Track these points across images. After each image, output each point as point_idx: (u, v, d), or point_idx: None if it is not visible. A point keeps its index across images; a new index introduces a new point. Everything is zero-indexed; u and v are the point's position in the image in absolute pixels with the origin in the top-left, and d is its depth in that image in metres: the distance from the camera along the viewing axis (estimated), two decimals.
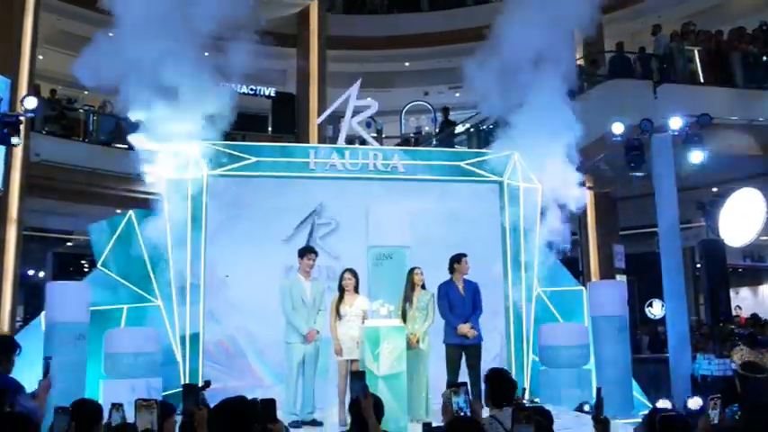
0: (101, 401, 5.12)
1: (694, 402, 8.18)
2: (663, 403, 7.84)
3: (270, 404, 3.23)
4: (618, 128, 10.06)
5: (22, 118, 9.44)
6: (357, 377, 3.67)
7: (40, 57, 13.79)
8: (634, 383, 8.86)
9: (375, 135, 12.73)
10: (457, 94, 19.19)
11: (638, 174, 10.49)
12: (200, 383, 6.72)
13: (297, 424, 6.62)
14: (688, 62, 12.34)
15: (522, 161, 8.68)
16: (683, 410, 8.01)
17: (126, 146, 13.96)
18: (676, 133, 9.88)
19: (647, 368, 11.14)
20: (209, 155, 8.17)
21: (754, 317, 13.47)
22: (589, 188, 13.68)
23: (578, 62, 13.64)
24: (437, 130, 16.43)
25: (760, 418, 3.43)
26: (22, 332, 8.90)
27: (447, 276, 7.34)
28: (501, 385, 3.98)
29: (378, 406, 3.95)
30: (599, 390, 3.36)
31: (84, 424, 3.58)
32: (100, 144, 13.77)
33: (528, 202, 8.66)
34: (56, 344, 7.38)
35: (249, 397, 3.89)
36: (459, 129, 16.16)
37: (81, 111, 14.64)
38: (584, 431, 6.41)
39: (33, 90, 12.16)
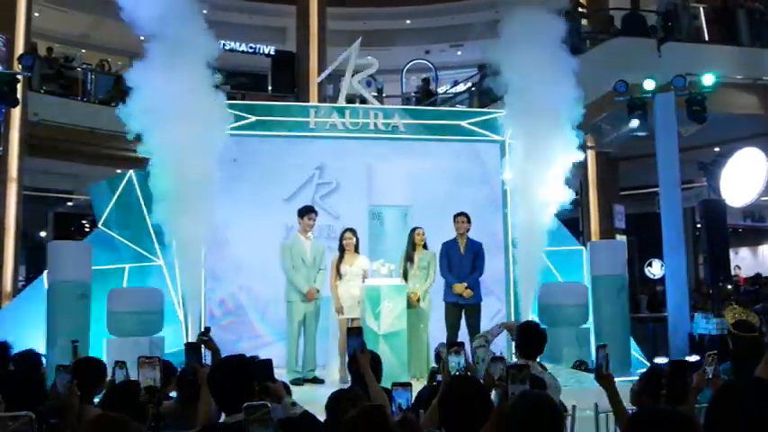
0: (104, 359, 5.18)
1: (692, 360, 8.30)
2: (661, 360, 7.95)
3: (267, 364, 3.24)
4: (621, 86, 9.97)
5: (19, 76, 9.35)
6: (354, 333, 3.64)
7: (36, 14, 13.58)
8: (632, 342, 8.95)
9: (375, 94, 12.59)
10: (459, 53, 18.96)
11: (639, 133, 10.42)
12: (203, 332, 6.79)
13: (299, 381, 6.70)
14: (693, 19, 12.14)
15: None
16: None
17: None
18: (679, 92, 9.79)
19: (645, 327, 11.24)
20: None
21: (757, 277, 13.53)
22: (590, 148, 13.62)
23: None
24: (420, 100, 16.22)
25: (750, 376, 3.46)
26: (25, 291, 8.97)
27: (447, 236, 7.35)
28: (531, 338, 4.06)
29: (376, 364, 3.98)
30: (604, 346, 3.37)
31: (88, 381, 3.62)
32: (99, 103, 13.66)
33: None
34: (59, 303, 7.44)
35: (251, 355, 3.94)
36: (461, 87, 16.00)
37: (79, 69, 14.47)
38: (583, 388, 6.49)
39: (30, 48, 12.01)
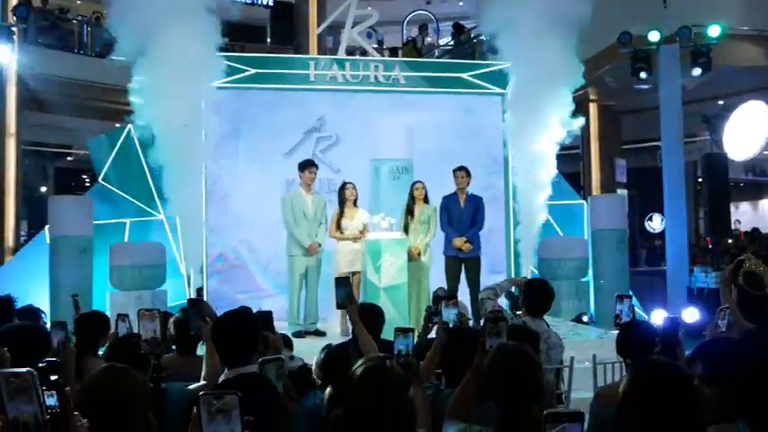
0: (108, 313, 5.23)
1: (689, 313, 8.38)
2: (658, 313, 8.02)
3: (267, 316, 3.26)
4: (625, 38, 9.81)
5: (14, 29, 9.22)
6: (341, 283, 3.57)
7: None
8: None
9: (376, 46, 12.41)
10: (461, 3, 18.63)
11: (643, 86, 10.30)
12: (195, 294, 6.86)
13: (300, 334, 6.77)
14: None
15: None
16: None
17: (123, 58, 13.73)
18: (684, 44, 9.63)
19: (644, 281, 11.30)
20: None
21: (754, 231, 13.55)
22: (593, 101, 13.51)
23: None
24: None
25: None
26: (28, 246, 9.01)
27: (448, 190, 7.34)
28: (538, 296, 4.06)
29: (378, 315, 4.00)
30: (626, 297, 3.40)
31: (92, 334, 3.66)
32: (95, 56, 13.48)
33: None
34: (61, 257, 7.49)
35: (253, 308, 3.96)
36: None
37: (74, 21, 14.24)
38: (581, 340, 6.58)
39: None
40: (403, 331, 2.65)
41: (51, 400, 1.57)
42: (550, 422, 1.53)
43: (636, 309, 8.74)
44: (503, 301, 6.42)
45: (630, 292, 8.89)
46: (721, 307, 3.47)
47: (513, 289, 4.59)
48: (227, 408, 1.53)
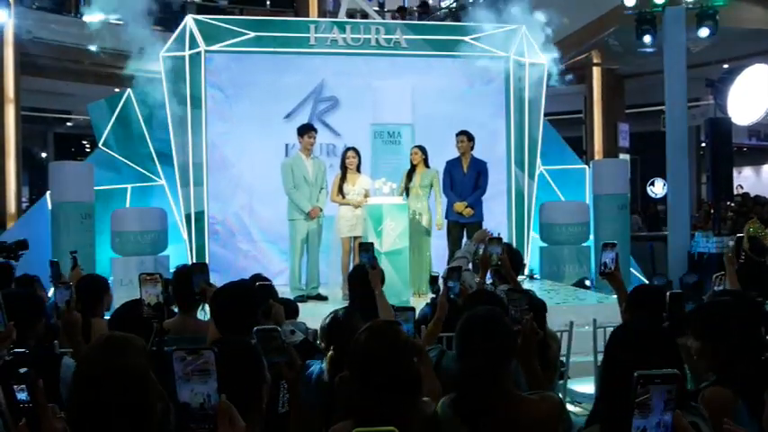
0: (110, 279, 5.25)
1: (690, 278, 8.41)
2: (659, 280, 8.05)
3: (267, 288, 3.22)
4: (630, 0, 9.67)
5: None
6: (364, 249, 3.63)
7: None
8: (632, 260, 9.03)
9: (377, 9, 12.25)
10: None
11: (647, 50, 10.18)
12: (193, 262, 6.85)
13: (302, 298, 6.79)
14: None
15: (528, 35, 8.40)
16: (679, 286, 8.24)
17: (121, 22, 13.56)
18: (690, 6, 9.49)
19: (645, 246, 11.32)
20: (205, 30, 7.91)
21: (756, 198, 13.48)
22: (596, 64, 13.37)
23: None
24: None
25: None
26: (30, 212, 9.02)
27: (451, 155, 7.31)
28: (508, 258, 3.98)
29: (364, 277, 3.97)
30: (612, 245, 3.32)
31: (91, 297, 3.68)
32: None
33: (534, 78, 8.47)
34: (62, 223, 7.49)
35: (255, 273, 3.96)
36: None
37: None
38: (582, 305, 6.61)
39: None
40: (402, 311, 2.65)
41: (22, 395, 1.49)
42: (643, 384, 1.42)
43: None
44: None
45: (630, 257, 8.91)
46: (717, 274, 3.47)
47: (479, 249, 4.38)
48: (205, 366, 1.41)
